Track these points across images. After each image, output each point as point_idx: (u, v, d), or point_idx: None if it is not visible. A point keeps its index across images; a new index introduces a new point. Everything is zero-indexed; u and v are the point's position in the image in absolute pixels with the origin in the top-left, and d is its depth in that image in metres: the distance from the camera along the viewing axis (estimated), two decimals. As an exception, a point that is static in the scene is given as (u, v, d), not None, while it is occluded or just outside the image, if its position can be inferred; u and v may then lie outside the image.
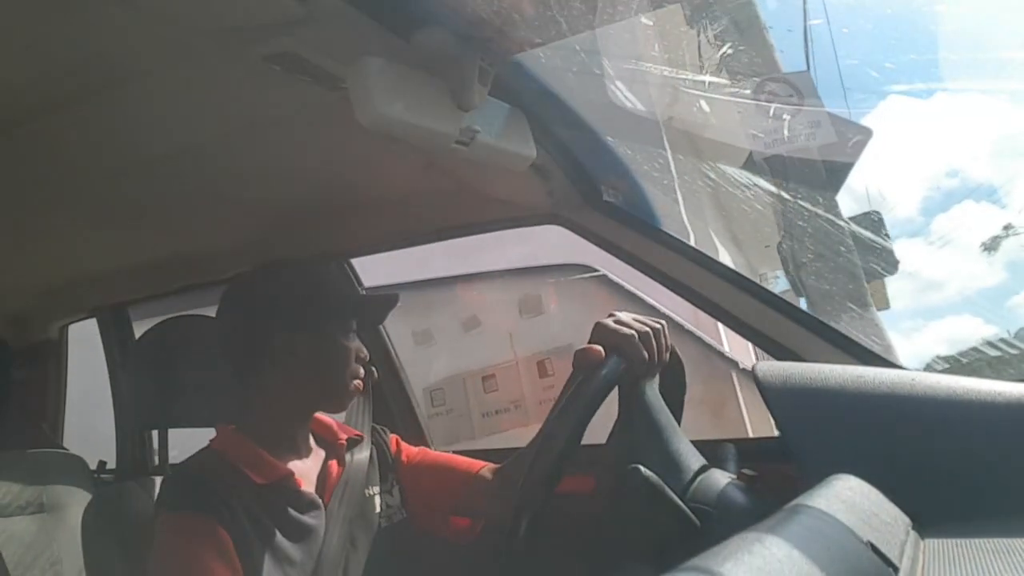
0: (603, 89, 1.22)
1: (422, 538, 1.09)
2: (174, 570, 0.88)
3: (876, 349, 1.02)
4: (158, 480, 1.27)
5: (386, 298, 1.10)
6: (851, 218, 3.45)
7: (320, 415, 1.08)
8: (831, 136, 2.90)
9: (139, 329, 1.62)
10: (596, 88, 1.19)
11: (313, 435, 1.07)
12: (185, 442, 1.01)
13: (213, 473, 0.94)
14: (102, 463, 1.78)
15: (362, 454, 1.06)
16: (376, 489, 1.06)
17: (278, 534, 0.92)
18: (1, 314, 1.85)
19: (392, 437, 1.17)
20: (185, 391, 1.23)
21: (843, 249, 3.06)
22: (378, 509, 1.04)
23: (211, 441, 1.01)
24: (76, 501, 1.50)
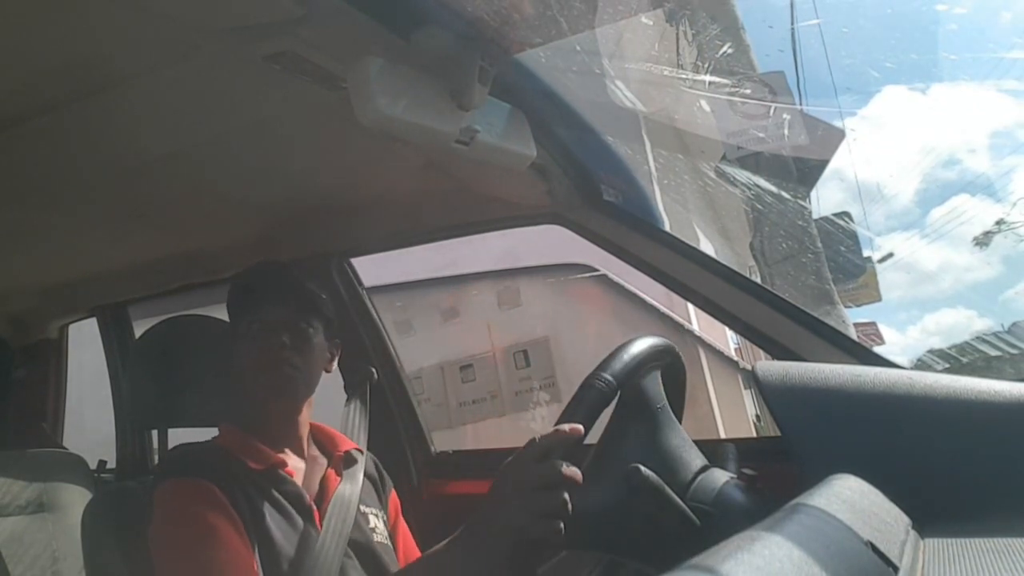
0: (603, 89, 1.22)
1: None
2: (181, 532, 0.88)
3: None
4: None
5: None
6: (822, 218, 3.49)
7: (320, 424, 1.10)
8: (804, 136, 2.91)
9: (139, 329, 1.62)
10: (596, 88, 1.19)
11: (315, 441, 1.09)
12: (185, 442, 1.03)
13: (211, 453, 0.98)
14: (102, 463, 1.77)
15: (359, 474, 1.06)
16: (371, 510, 1.06)
17: (271, 516, 0.93)
18: (1, 314, 1.85)
19: (391, 495, 1.15)
20: (185, 391, 1.22)
21: (811, 248, 3.08)
22: (371, 524, 1.03)
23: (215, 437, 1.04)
24: (76, 501, 1.50)
